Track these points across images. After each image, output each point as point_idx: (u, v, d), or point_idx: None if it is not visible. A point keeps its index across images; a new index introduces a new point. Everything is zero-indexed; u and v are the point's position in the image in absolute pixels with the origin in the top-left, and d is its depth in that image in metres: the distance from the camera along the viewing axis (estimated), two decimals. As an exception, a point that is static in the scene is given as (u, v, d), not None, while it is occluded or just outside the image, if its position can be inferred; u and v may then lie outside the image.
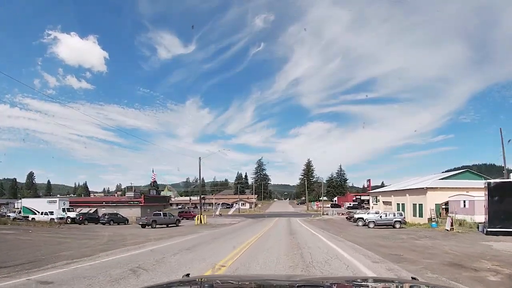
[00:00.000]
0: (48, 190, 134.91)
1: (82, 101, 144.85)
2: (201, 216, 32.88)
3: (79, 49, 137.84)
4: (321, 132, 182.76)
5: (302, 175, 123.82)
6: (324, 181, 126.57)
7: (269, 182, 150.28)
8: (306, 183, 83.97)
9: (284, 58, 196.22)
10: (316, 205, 59.83)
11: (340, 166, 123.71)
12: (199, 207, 39.89)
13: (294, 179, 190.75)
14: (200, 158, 34.20)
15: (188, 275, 2.26)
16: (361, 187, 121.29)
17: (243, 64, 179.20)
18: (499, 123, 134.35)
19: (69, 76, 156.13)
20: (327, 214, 58.38)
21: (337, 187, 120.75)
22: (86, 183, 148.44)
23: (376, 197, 44.32)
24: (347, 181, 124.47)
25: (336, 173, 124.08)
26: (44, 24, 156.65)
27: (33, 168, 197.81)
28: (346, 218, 40.16)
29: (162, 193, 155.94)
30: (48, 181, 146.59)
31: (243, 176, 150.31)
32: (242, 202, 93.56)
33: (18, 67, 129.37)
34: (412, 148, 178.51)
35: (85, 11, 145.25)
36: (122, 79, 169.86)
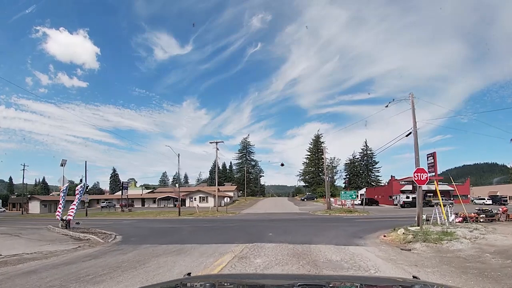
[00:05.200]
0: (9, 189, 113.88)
1: (78, 101, 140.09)
2: None
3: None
4: (319, 132, 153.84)
5: (308, 156, 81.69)
6: (341, 166, 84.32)
7: (261, 175, 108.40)
8: (324, 157, 40.85)
9: (281, 59, 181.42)
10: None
11: (366, 143, 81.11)
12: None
13: (291, 180, 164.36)
14: None
15: (189, 274, 2.17)
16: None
17: (240, 65, 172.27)
18: (497, 122, 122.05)
19: (60, 74, 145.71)
20: (424, 217, 16.12)
21: (361, 175, 78.69)
22: (44, 178, 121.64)
23: None
24: (377, 165, 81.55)
25: (360, 153, 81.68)
26: (34, 20, 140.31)
27: (30, 167, 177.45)
28: None
29: (129, 189, 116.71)
30: (10, 177, 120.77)
31: (228, 166, 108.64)
32: (202, 196, 51.05)
33: (11, 64, 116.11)
34: (410, 149, 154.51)
35: (85, 11, 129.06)
36: (118, 80, 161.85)
